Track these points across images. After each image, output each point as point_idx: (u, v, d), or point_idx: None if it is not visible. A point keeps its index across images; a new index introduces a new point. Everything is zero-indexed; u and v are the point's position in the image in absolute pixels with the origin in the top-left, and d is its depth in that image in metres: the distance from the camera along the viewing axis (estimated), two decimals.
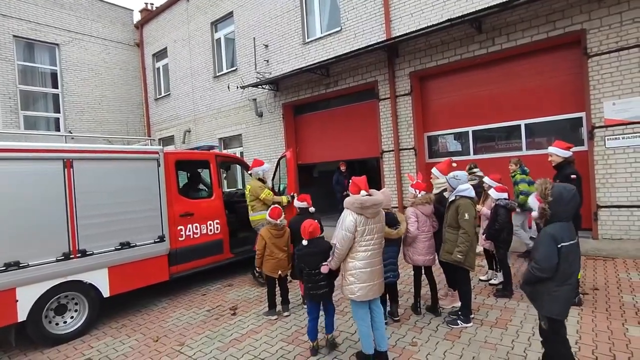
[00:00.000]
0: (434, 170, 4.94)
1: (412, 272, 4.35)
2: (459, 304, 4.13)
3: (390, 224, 3.78)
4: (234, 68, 12.40)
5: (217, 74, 13.01)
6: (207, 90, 13.33)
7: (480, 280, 5.18)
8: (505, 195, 4.55)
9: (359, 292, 3.22)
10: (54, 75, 13.99)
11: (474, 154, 8.04)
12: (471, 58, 7.57)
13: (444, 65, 7.97)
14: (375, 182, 9.68)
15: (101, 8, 15.18)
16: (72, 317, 4.41)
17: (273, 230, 4.48)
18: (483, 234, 4.79)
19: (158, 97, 15.71)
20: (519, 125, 7.40)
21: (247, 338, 3.95)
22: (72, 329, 4.33)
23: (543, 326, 2.64)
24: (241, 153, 12.53)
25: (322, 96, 10.21)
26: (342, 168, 10.01)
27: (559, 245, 2.43)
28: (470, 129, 8.05)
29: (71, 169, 4.32)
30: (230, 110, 12.57)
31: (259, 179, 5.80)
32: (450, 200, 3.88)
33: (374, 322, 3.34)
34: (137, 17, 16.44)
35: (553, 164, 4.22)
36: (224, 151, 12.65)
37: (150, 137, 15.95)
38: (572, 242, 2.48)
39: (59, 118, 14.01)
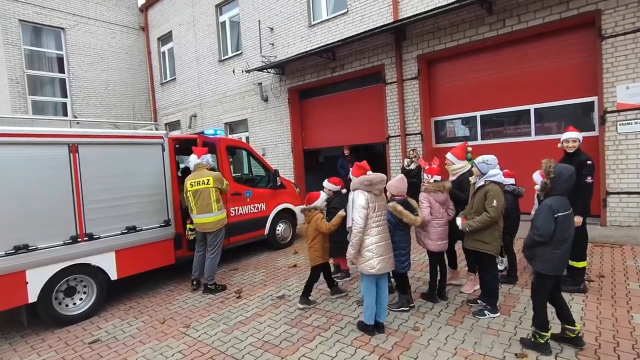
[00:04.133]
0: (448, 155, 4.64)
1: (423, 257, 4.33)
2: (479, 286, 4.12)
3: (409, 210, 3.74)
4: (239, 52, 12.27)
5: (223, 58, 12.90)
6: (213, 74, 13.24)
7: None
8: (512, 180, 4.49)
9: (379, 265, 3.40)
10: (60, 60, 13.99)
11: (482, 139, 7.93)
12: (480, 40, 7.38)
13: (452, 48, 7.79)
14: (381, 168, 9.65)
15: None
16: (81, 299, 4.50)
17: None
18: None
19: (164, 81, 15.67)
20: (528, 110, 7.25)
21: (251, 321, 4.01)
22: (81, 311, 4.43)
23: (532, 281, 3.13)
24: (247, 138, 12.52)
25: (328, 80, 10.09)
26: (346, 152, 9.94)
27: (556, 215, 2.85)
28: (478, 114, 7.91)
29: (77, 154, 4.34)
30: (236, 95, 12.50)
31: (212, 169, 5.23)
32: (478, 185, 3.72)
33: (378, 297, 3.54)
34: (141, 0, 16.25)
35: (571, 150, 4.07)
36: (230, 136, 12.65)
37: (156, 122, 16.01)
38: (566, 212, 2.91)
39: (66, 103, 14.08)
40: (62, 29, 13.88)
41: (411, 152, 8.05)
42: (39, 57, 13.61)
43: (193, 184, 4.98)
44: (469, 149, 4.83)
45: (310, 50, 9.29)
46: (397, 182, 3.80)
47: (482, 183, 3.64)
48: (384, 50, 8.81)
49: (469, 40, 7.52)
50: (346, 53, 9.43)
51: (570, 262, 4.05)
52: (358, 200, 3.38)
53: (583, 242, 4.05)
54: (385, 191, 3.87)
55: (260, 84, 11.51)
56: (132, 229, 4.82)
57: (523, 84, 7.23)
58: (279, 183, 6.87)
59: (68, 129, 4.45)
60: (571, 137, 4.01)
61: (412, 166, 7.47)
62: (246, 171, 6.99)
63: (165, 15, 15.07)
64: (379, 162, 9.15)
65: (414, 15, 7.40)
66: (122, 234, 4.74)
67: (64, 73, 14.01)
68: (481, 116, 7.90)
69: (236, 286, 5.19)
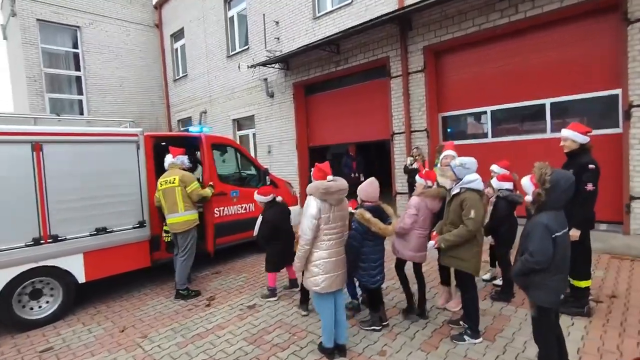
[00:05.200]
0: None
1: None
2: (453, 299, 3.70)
3: (381, 217, 3.32)
4: (246, 47, 12.03)
5: (231, 54, 12.71)
6: (221, 70, 13.09)
7: (483, 280, 4.63)
8: (507, 185, 3.94)
9: (323, 283, 3.02)
10: (76, 58, 14.27)
11: (493, 136, 7.29)
12: (491, 29, 6.74)
13: (460, 38, 7.18)
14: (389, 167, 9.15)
15: None
16: (47, 302, 4.37)
17: None
18: None
19: (176, 78, 15.71)
20: (544, 105, 6.56)
21: (210, 334, 3.72)
22: (45, 314, 4.28)
23: (533, 315, 2.56)
24: (254, 135, 12.31)
25: (332, 75, 9.66)
26: (351, 150, 9.51)
27: (553, 236, 2.36)
28: (488, 109, 7.27)
29: (40, 152, 4.18)
30: (244, 91, 12.29)
31: (183, 169, 4.98)
32: (453, 192, 3.29)
33: (335, 315, 3.15)
34: None
35: (565, 151, 3.55)
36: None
37: (169, 118, 16.11)
38: (564, 231, 2.43)
39: (82, 100, 14.36)
40: (78, 27, 14.13)
41: (415, 150, 7.55)
42: (56, 55, 13.92)
43: (162, 183, 4.82)
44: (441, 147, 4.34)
45: (314, 41, 8.86)
46: (367, 186, 3.38)
47: (457, 190, 3.16)
48: (389, 42, 8.28)
49: (478, 29, 6.89)
50: (350, 46, 8.96)
51: (572, 281, 3.51)
52: (309, 208, 3.00)
53: (586, 258, 3.49)
54: (358, 199, 3.47)
55: (265, 79, 11.23)
56: (102, 230, 4.64)
57: (538, 76, 6.54)
58: (268, 182, 6.55)
59: (32, 126, 4.30)
60: (561, 135, 3.47)
61: (415, 165, 6.98)
62: (237, 170, 6.69)
63: (177, 12, 15.06)
64: (391, 161, 8.64)
65: (420, 1, 6.83)
66: (91, 235, 4.55)
67: (80, 71, 14.28)
68: (492, 111, 7.25)
69: (211, 292, 4.93)
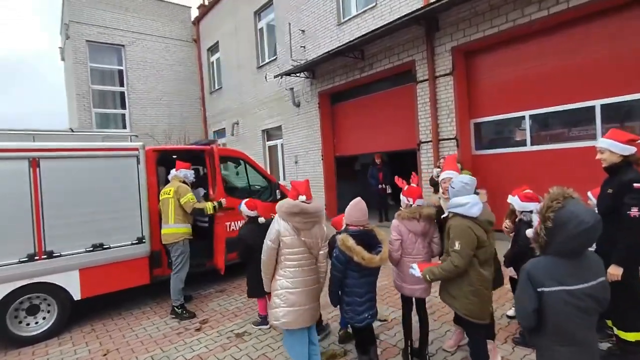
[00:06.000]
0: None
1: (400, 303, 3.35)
2: (466, 340, 3.11)
3: (369, 244, 2.85)
4: (274, 57, 11.97)
5: (260, 64, 12.74)
6: (252, 81, 13.15)
7: (507, 317, 3.93)
8: (532, 206, 3.25)
9: (285, 318, 2.66)
10: (120, 74, 15.11)
11: (532, 144, 6.44)
12: (527, 24, 5.98)
13: (493, 36, 6.46)
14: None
15: (161, 7, 15.94)
16: (44, 318, 4.34)
17: None
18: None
19: (212, 90, 16.10)
20: (593, 107, 5.65)
21: None
22: (40, 331, 4.23)
23: None
24: (282, 145, 12.16)
25: (357, 82, 9.24)
26: (378, 160, 8.97)
27: (539, 289, 1.73)
28: (527, 113, 6.44)
29: (37, 168, 4.19)
30: (272, 101, 12.21)
31: (183, 182, 4.91)
32: (443, 217, 2.80)
33: (309, 357, 2.77)
34: (195, 13, 16.95)
35: (604, 165, 2.86)
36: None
37: (206, 130, 16.49)
38: (566, 287, 1.70)
39: (124, 114, 15.15)
40: (123, 45, 14.98)
41: (442, 160, 6.87)
42: (102, 72, 14.84)
43: (161, 194, 4.84)
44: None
45: (338, 46, 8.47)
46: (350, 208, 2.91)
47: (446, 214, 2.61)
48: (415, 44, 7.71)
49: (512, 25, 6.14)
50: (375, 50, 8.49)
51: (616, 331, 2.77)
52: (271, 229, 2.68)
53: (635, 302, 2.73)
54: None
55: (292, 89, 11.05)
56: (98, 247, 4.56)
57: (585, 75, 5.66)
58: (278, 196, 6.23)
59: (30, 143, 4.34)
60: (597, 146, 2.78)
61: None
62: (247, 183, 6.45)
63: (213, 26, 15.48)
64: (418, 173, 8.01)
65: None
66: (87, 251, 4.49)
67: (124, 86, 15.09)
68: (531, 116, 6.41)
69: (208, 314, 4.67)
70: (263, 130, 12.91)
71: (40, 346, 4.11)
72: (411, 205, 3.12)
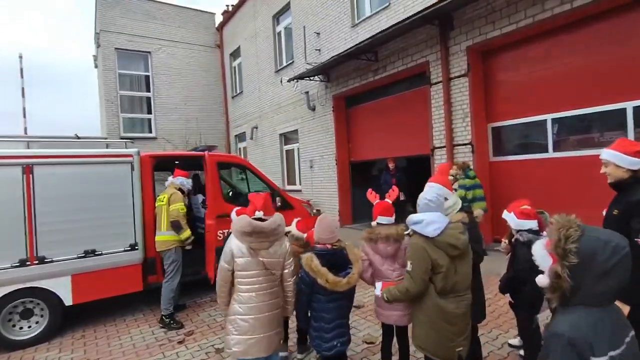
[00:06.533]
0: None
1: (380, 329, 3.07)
2: None
3: (337, 265, 2.60)
4: (291, 61, 11.88)
5: (278, 68, 12.69)
6: (270, 85, 13.14)
7: (510, 345, 3.52)
8: (530, 224, 2.85)
9: (236, 347, 2.50)
10: (147, 80, 15.59)
11: (554, 150, 5.90)
12: (549, 19, 5.47)
13: (511, 34, 5.98)
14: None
15: (186, 15, 16.31)
16: (37, 322, 4.40)
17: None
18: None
19: (234, 95, 16.26)
20: (624, 110, 5.07)
21: None
22: (31, 335, 4.28)
23: None
24: (298, 149, 12.03)
25: (371, 84, 8.93)
26: (391, 166, 8.60)
27: None
28: (549, 117, 5.91)
29: (31, 175, 4.26)
30: (289, 105, 12.12)
31: (179, 189, 4.85)
32: (406, 232, 2.53)
33: None
34: (219, 19, 17.23)
35: (609, 180, 2.45)
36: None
37: (228, 134, 16.65)
38: (613, 352, 1.19)
39: (150, 119, 15.61)
40: (149, 52, 15.44)
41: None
42: (130, 79, 15.37)
43: (157, 201, 4.83)
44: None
45: (351, 47, 8.20)
46: (318, 226, 2.67)
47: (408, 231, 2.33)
48: (429, 44, 7.32)
49: (532, 21, 5.64)
50: (388, 52, 8.16)
51: None
52: (225, 249, 2.49)
53: None
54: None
55: (307, 92, 10.90)
56: (90, 253, 4.58)
57: (614, 74, 5.09)
58: (278, 204, 6.06)
59: (24, 149, 4.42)
60: (602, 158, 2.38)
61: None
62: (247, 189, 6.34)
63: (235, 32, 15.65)
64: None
65: None
66: (79, 257, 4.51)
67: (149, 92, 15.56)
68: (553, 120, 5.86)
69: (195, 325, 4.56)
70: (280, 135, 12.84)
71: (30, 351, 4.15)
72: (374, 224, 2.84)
